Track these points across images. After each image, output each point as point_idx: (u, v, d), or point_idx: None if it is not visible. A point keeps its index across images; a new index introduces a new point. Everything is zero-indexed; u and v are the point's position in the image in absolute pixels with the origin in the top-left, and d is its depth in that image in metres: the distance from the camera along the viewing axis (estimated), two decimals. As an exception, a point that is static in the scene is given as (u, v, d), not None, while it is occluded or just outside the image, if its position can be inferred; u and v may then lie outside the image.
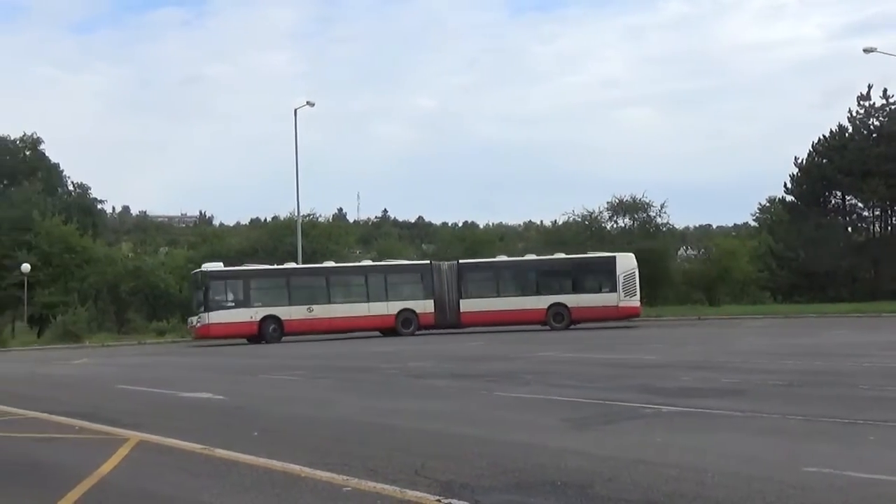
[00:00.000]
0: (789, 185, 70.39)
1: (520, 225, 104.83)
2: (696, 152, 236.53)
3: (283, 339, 45.36)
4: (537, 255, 55.29)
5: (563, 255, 53.24)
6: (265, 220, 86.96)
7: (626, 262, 49.83)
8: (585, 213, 72.24)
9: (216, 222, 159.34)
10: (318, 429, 13.06)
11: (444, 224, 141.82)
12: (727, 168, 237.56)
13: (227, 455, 10.57)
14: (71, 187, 77.29)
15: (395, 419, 13.59)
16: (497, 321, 47.19)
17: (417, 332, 46.89)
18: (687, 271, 73.23)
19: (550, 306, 48.08)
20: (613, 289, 48.55)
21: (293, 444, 11.37)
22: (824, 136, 69.40)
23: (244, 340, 45.01)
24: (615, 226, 72.82)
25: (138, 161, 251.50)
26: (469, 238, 75.74)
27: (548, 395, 15.93)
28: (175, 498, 8.73)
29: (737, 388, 16.13)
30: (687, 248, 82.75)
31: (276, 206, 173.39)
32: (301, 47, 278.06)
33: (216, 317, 44.73)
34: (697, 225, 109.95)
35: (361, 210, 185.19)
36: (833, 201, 71.80)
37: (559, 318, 47.84)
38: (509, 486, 8.51)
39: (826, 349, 26.04)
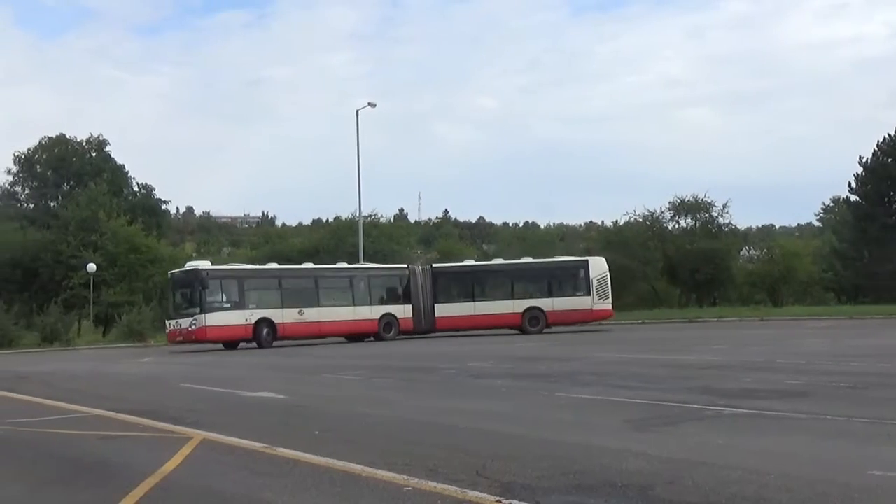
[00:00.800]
0: (854, 185, 69.41)
1: (580, 225, 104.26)
2: (759, 152, 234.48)
3: (274, 343, 43.16)
4: (505, 259, 55.64)
5: (535, 259, 53.28)
6: (327, 220, 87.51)
7: (599, 266, 50.00)
8: (647, 213, 71.93)
9: (278, 223, 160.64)
10: (379, 428, 13.10)
11: (505, 224, 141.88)
12: (790, 168, 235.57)
13: (288, 454, 10.64)
14: (136, 188, 78.27)
15: (455, 419, 13.61)
16: (472, 326, 47.00)
17: (399, 337, 46.17)
18: (749, 272, 72.59)
19: (526, 310, 47.78)
20: (587, 292, 48.72)
21: (353, 444, 11.41)
22: (889, 135, 68.34)
23: (221, 346, 42.84)
24: (677, 226, 72.43)
25: (202, 162, 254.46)
26: (529, 238, 75.62)
27: (608, 396, 15.87)
28: (238, 496, 8.79)
29: (800, 390, 15.97)
30: (749, 248, 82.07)
31: (337, 206, 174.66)
32: (363, 49, 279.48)
33: (213, 319, 41.73)
34: (760, 225, 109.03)
35: (422, 210, 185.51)
36: (899, 201, 70.78)
37: (535, 321, 47.53)
38: (569, 488, 8.49)
39: (891, 351, 25.68)
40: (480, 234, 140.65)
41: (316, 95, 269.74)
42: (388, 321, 46.32)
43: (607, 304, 49.39)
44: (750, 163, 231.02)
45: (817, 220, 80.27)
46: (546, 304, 48.04)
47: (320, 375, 24.17)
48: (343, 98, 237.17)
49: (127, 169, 78.73)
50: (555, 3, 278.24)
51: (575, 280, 49.41)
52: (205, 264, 45.45)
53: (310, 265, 51.26)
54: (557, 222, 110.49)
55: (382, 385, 20.98)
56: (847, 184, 69.75)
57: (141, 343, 49.04)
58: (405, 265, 51.87)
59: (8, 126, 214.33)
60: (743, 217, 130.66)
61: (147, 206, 75.43)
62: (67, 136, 77.70)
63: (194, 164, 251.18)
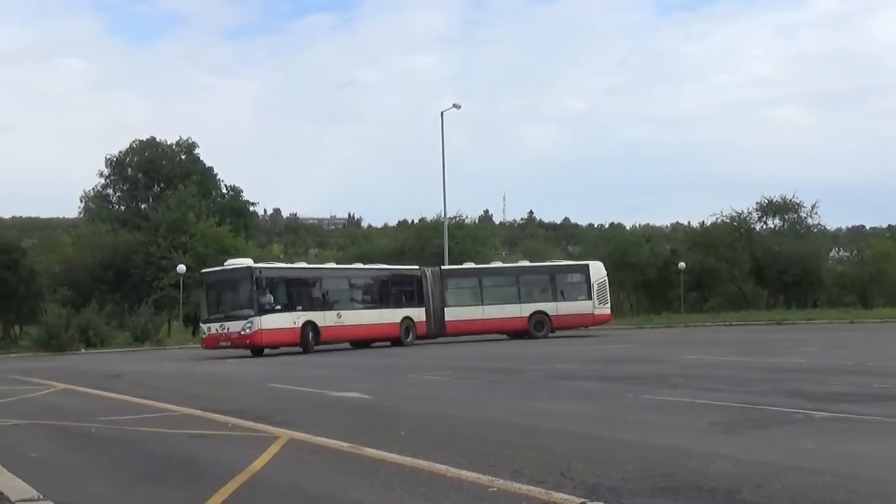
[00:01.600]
0: (947, 185, 68.08)
1: (667, 226, 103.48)
2: (849, 152, 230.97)
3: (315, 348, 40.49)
4: (502, 262, 54.28)
5: (538, 263, 52.65)
6: (412, 221, 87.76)
7: (598, 270, 49.16)
8: (734, 213, 71.19)
9: (364, 224, 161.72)
10: (464, 429, 13.13)
11: (591, 225, 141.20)
12: (881, 168, 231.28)
13: (374, 454, 10.71)
14: (224, 190, 79.10)
15: (540, 420, 13.59)
16: (481, 330, 46.08)
17: (416, 342, 44.02)
18: (839, 273, 71.50)
19: (532, 314, 46.71)
20: (589, 296, 47.85)
21: (439, 444, 11.46)
22: None
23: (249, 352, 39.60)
24: (764, 227, 71.61)
25: (289, 164, 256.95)
26: (615, 239, 75.15)
27: (696, 399, 15.74)
28: (324, 495, 8.88)
29: (891, 394, 15.72)
30: (839, 249, 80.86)
31: (423, 207, 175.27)
32: (448, 50, 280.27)
33: (268, 322, 38.39)
34: (850, 226, 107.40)
35: (507, 212, 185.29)
36: None
37: (540, 326, 46.55)
38: (655, 490, 8.45)
39: None
40: (565, 235, 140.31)
41: (402, 97, 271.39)
42: (407, 325, 44.33)
43: (607, 309, 48.77)
44: (840, 163, 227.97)
45: (909, 220, 78.77)
46: (551, 308, 47.19)
47: (405, 376, 24.27)
48: (428, 100, 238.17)
49: (216, 171, 79.73)
50: (641, 2, 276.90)
51: (577, 284, 48.53)
52: (247, 262, 42.09)
53: (332, 265, 51.44)
54: (643, 223, 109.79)
55: (467, 386, 21.01)
56: (940, 184, 68.46)
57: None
58: (416, 267, 49.25)
59: (101, 130, 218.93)
60: (832, 218, 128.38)
61: (235, 208, 76.25)
62: (157, 140, 78.96)
63: (282, 166, 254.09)
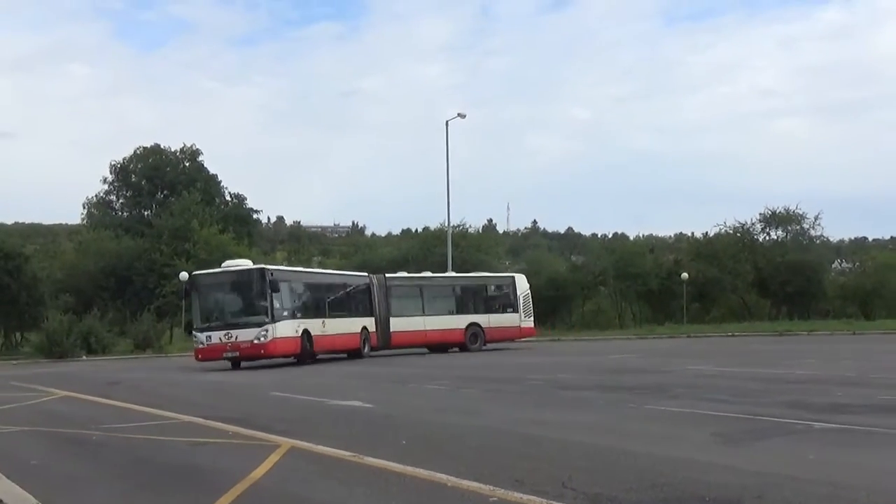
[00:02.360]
0: (950, 196, 68.05)
1: (670, 237, 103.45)
2: (853, 163, 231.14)
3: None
4: (432, 272, 50.83)
5: (472, 273, 51.34)
6: (416, 230, 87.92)
7: (523, 283, 48.24)
8: (737, 224, 71.20)
9: (368, 233, 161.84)
10: (465, 438, 13.12)
11: (594, 235, 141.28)
12: (884, 179, 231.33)
13: (375, 463, 10.71)
14: (228, 197, 79.31)
15: (541, 430, 13.59)
16: (422, 342, 44.18)
17: (371, 354, 41.37)
18: (841, 285, 71.49)
19: (468, 326, 45.06)
20: (516, 309, 46.89)
21: (440, 454, 11.46)
22: None
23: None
24: (767, 238, 71.59)
25: (293, 172, 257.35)
26: (619, 249, 75.17)
27: (697, 409, 15.72)
28: (325, 504, 8.89)
29: (893, 406, 15.70)
30: (842, 261, 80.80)
31: (427, 216, 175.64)
32: (455, 60, 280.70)
33: (282, 330, 35.50)
34: (853, 237, 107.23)
35: (511, 221, 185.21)
36: None
37: (474, 338, 44.94)
38: (657, 501, 8.44)
39: None
40: (569, 244, 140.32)
41: (407, 106, 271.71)
42: (365, 336, 41.28)
43: (531, 322, 47.79)
44: (843, 174, 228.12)
45: (912, 232, 78.71)
46: (483, 320, 45.76)
47: (407, 385, 24.26)
48: (434, 109, 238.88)
49: (220, 178, 79.93)
50: (647, 12, 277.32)
51: (505, 297, 47.52)
52: (247, 262, 39.63)
53: (315, 270, 50.01)
54: (647, 233, 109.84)
55: (469, 395, 21.00)
56: (943, 195, 68.43)
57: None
58: (366, 273, 46.36)
59: (106, 136, 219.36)
60: (835, 229, 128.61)
61: (239, 216, 76.47)
62: (162, 146, 79.16)
63: (286, 173, 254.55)
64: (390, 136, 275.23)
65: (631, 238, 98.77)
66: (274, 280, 35.89)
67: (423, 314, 44.28)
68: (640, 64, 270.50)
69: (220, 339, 35.17)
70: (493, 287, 48.69)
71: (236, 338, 34.88)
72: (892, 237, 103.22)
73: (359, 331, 40.90)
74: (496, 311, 46.74)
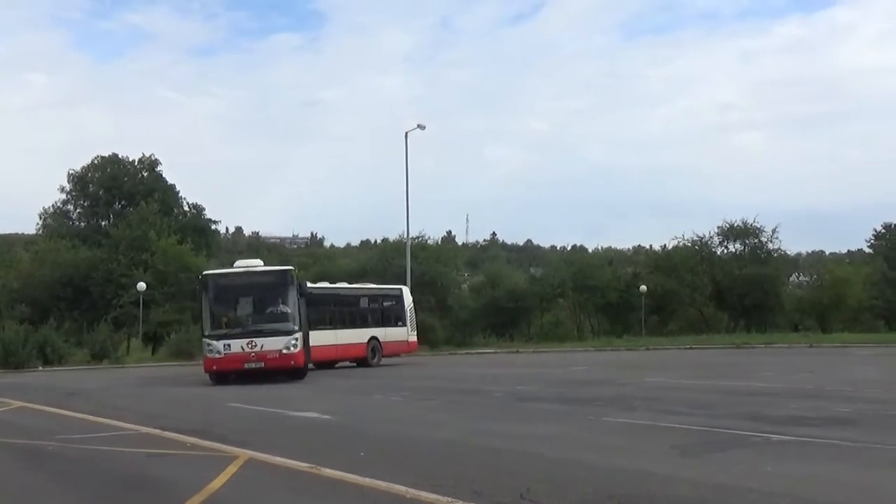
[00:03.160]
0: (906, 211, 68.69)
1: (629, 249, 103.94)
2: (811, 178, 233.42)
3: None
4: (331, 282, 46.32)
5: (367, 285, 47.51)
6: (375, 241, 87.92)
7: (408, 296, 46.38)
8: (696, 237, 71.52)
9: (327, 244, 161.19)
10: (424, 450, 13.11)
11: (553, 247, 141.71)
12: (842, 194, 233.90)
13: (333, 474, 10.68)
14: (186, 208, 78.73)
15: (501, 442, 13.60)
16: (334, 358, 40.11)
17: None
18: (798, 298, 72.00)
19: (369, 340, 41.65)
20: (405, 322, 44.80)
21: (399, 465, 11.43)
22: (943, 161, 67.50)
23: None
24: (725, 251, 71.96)
25: (252, 183, 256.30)
26: (578, 262, 75.35)
27: (656, 422, 15.79)
28: (282, 516, 8.84)
29: (849, 418, 15.82)
30: (799, 274, 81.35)
31: (386, 228, 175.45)
32: (415, 71, 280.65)
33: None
34: (810, 251, 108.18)
35: (470, 233, 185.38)
36: (952, 228, 69.91)
37: (374, 353, 41.76)
38: (615, 512, 8.46)
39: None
40: (528, 256, 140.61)
41: (367, 117, 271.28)
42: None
43: (415, 336, 45.97)
44: (801, 188, 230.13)
45: (868, 246, 79.03)
46: (381, 334, 42.58)
47: (369, 396, 24.19)
48: (394, 120, 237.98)
49: (178, 189, 79.41)
50: (607, 26, 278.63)
51: (396, 310, 44.82)
52: (258, 262, 35.42)
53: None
54: (605, 246, 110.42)
55: (428, 407, 20.98)
56: (899, 210, 69.07)
57: (189, 362, 49.23)
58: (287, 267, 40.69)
59: (63, 145, 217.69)
60: (793, 243, 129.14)
61: (197, 226, 75.87)
62: (120, 156, 78.54)
63: (244, 184, 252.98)
64: (350, 147, 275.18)
65: (590, 250, 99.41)
66: (303, 284, 33.17)
67: (334, 327, 40.24)
68: (599, 77, 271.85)
69: (241, 347, 30.93)
70: (386, 300, 45.68)
71: (262, 347, 30.93)
72: (849, 251, 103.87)
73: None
74: (390, 325, 44.03)
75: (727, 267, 69.19)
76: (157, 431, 16.09)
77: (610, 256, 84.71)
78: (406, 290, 46.90)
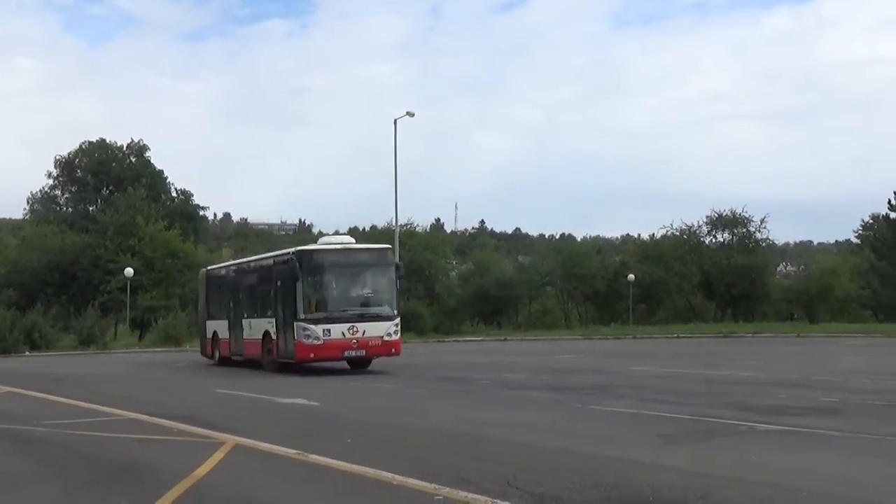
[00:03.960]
0: (893, 202, 68.78)
1: (617, 238, 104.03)
2: (800, 168, 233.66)
3: None
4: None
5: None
6: (364, 229, 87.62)
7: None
8: (684, 227, 71.59)
9: (315, 230, 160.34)
10: (412, 437, 13.13)
11: (542, 236, 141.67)
12: (830, 184, 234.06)
13: (320, 461, 10.68)
14: (174, 194, 78.57)
15: (488, 429, 13.62)
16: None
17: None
18: (786, 288, 72.16)
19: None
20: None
21: (386, 452, 11.44)
22: (931, 151, 67.57)
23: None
24: (713, 240, 72.07)
25: (241, 169, 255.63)
26: (566, 250, 75.36)
27: (642, 410, 15.83)
28: (269, 502, 8.84)
29: (835, 408, 15.89)
30: (786, 264, 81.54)
31: (374, 215, 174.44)
32: (404, 59, 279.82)
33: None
34: (798, 241, 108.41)
35: (459, 220, 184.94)
36: (939, 218, 69.92)
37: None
38: (600, 501, 8.49)
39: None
40: (516, 245, 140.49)
41: (356, 104, 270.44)
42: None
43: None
44: (789, 179, 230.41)
45: (856, 237, 79.19)
46: None
47: (357, 383, 24.18)
48: (383, 107, 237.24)
49: (166, 174, 79.21)
50: (598, 15, 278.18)
51: None
52: (348, 239, 31.65)
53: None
54: (594, 235, 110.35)
55: (416, 394, 21.00)
56: (887, 201, 69.19)
57: (177, 347, 49.17)
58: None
59: (52, 131, 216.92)
60: (781, 233, 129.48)
61: (185, 212, 75.75)
62: (108, 142, 78.28)
63: (233, 170, 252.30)
64: (339, 134, 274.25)
65: (578, 239, 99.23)
66: (399, 265, 30.17)
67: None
68: (589, 66, 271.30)
69: (342, 333, 27.11)
70: None
71: (364, 333, 27.37)
72: (836, 241, 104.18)
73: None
74: None
75: (715, 256, 69.30)
76: (145, 417, 16.07)
77: (598, 245, 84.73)
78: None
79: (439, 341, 52.90)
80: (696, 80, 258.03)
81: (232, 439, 12.63)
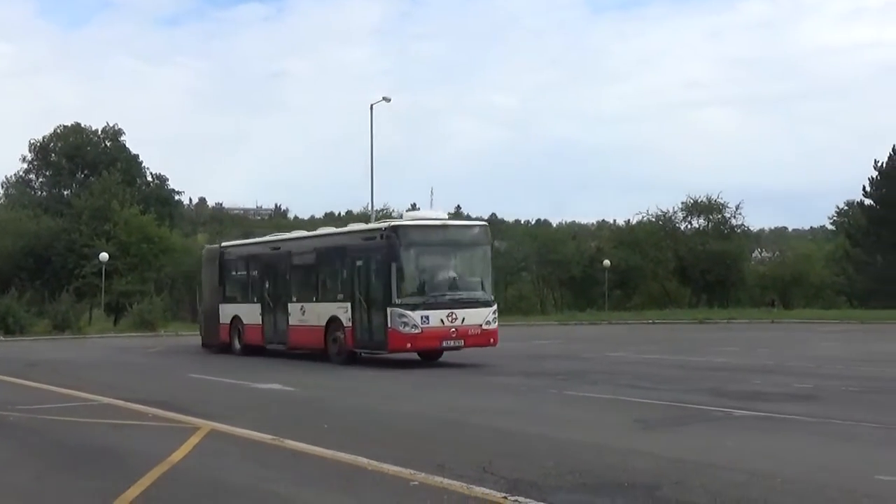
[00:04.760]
0: (868, 189, 68.99)
1: (593, 224, 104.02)
2: (775, 155, 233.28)
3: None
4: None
5: None
6: (339, 214, 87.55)
7: None
8: (659, 213, 71.69)
9: (290, 216, 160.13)
10: (388, 423, 13.11)
11: (518, 221, 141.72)
12: (806, 171, 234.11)
13: (296, 446, 10.66)
14: (149, 178, 78.20)
15: (463, 416, 13.62)
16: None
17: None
18: (761, 274, 72.40)
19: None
20: None
21: (362, 438, 11.42)
22: (906, 138, 67.86)
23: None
24: (689, 226, 72.22)
25: (216, 153, 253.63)
26: (541, 236, 75.39)
27: (618, 396, 15.87)
28: (244, 487, 8.81)
29: (810, 394, 15.96)
30: (762, 250, 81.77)
31: (350, 200, 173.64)
32: (381, 44, 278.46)
33: None
34: (773, 227, 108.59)
35: (435, 205, 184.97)
36: (913, 205, 70.26)
37: None
38: (576, 486, 8.49)
39: (902, 356, 25.67)
40: (492, 230, 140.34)
41: (333, 89, 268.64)
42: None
43: None
44: (765, 165, 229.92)
45: (831, 223, 79.51)
46: None
47: (333, 369, 24.07)
48: (360, 92, 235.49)
49: (141, 159, 78.81)
50: (575, 1, 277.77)
51: None
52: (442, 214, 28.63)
53: None
54: (569, 220, 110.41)
55: (393, 380, 20.98)
56: (862, 188, 69.40)
57: (151, 333, 48.98)
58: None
59: (27, 114, 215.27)
60: (756, 219, 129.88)
61: (160, 197, 75.42)
62: (83, 126, 77.82)
63: (208, 155, 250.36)
64: (316, 118, 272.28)
65: (554, 225, 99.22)
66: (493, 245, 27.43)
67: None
68: (565, 52, 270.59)
69: (441, 321, 23.78)
70: None
71: (463, 321, 24.11)
72: (811, 228, 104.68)
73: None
74: None
75: (690, 242, 69.46)
76: (120, 402, 15.98)
77: (574, 231, 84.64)
78: None
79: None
80: (672, 67, 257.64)
81: (207, 424, 12.60)
